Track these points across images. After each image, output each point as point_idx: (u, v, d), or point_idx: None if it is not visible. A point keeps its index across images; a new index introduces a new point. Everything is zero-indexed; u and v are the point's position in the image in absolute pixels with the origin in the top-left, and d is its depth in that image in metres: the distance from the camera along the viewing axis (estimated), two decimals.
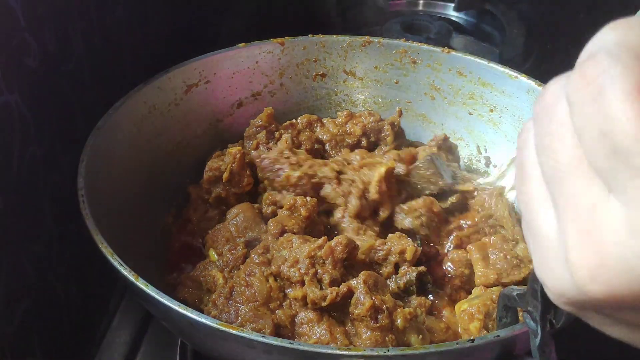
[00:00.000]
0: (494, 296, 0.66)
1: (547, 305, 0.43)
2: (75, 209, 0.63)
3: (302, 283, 0.64)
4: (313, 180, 0.77)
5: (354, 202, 0.75)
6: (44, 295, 0.70)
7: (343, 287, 0.62)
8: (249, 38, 0.92)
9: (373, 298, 0.61)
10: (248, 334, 0.50)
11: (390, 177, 0.77)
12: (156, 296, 0.54)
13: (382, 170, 0.76)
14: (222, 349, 0.56)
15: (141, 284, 0.55)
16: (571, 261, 0.25)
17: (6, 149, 0.61)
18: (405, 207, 0.77)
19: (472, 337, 0.50)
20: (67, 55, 0.72)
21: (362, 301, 0.61)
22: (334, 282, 0.63)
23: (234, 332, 0.50)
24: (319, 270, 0.64)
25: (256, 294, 0.64)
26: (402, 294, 0.69)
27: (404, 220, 0.76)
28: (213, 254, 0.72)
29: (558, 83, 0.27)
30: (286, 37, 0.92)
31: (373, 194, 0.75)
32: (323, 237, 0.66)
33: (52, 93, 0.69)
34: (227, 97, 0.91)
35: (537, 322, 0.44)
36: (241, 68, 0.90)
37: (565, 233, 0.26)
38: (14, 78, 0.61)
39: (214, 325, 0.51)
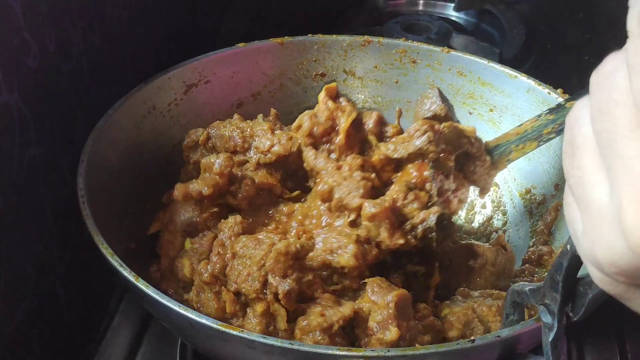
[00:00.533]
0: (475, 305, 0.64)
1: (567, 296, 0.44)
2: (75, 209, 0.63)
3: (259, 300, 0.59)
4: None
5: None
6: (44, 295, 0.69)
7: (357, 304, 0.57)
8: (249, 38, 0.92)
9: (402, 327, 0.56)
10: (248, 334, 0.50)
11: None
12: (156, 297, 0.54)
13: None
14: (223, 349, 0.56)
15: (141, 284, 0.55)
16: (625, 222, 0.26)
17: (6, 149, 0.61)
18: (404, 134, 0.67)
19: (472, 337, 0.50)
20: (67, 55, 0.71)
21: (389, 329, 0.56)
22: (292, 292, 0.58)
23: (234, 332, 0.50)
24: (272, 282, 0.58)
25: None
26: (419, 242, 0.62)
27: (411, 143, 0.65)
28: (187, 243, 0.69)
29: (617, 54, 0.28)
30: (286, 37, 0.92)
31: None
32: (269, 243, 0.60)
33: (52, 93, 0.69)
34: (226, 97, 0.91)
35: (554, 315, 0.45)
36: (241, 68, 0.90)
37: (620, 195, 0.26)
38: (14, 78, 0.61)
39: (215, 326, 0.51)
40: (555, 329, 0.45)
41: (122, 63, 0.86)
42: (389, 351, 0.49)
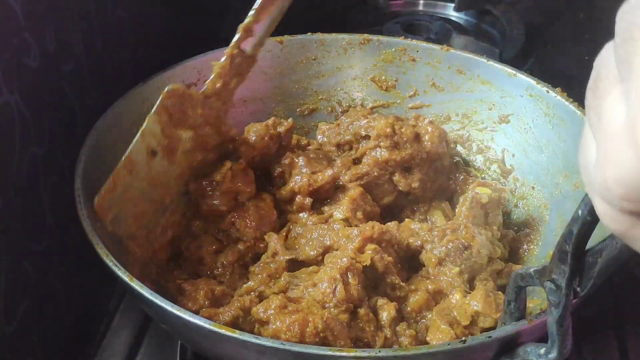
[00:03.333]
0: None
1: (575, 267, 0.43)
2: (75, 209, 0.63)
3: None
4: None
5: None
6: (44, 295, 0.70)
7: None
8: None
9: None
10: (240, 335, 0.50)
11: None
12: (151, 297, 0.54)
13: None
14: (218, 349, 0.56)
15: (136, 284, 0.55)
16: (637, 133, 0.26)
17: (6, 149, 0.61)
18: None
19: (463, 338, 0.50)
20: (67, 55, 0.72)
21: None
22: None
23: (227, 333, 0.50)
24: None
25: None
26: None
27: None
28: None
29: None
30: (285, 36, 0.92)
31: None
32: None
33: (52, 93, 0.69)
34: None
35: (562, 290, 0.44)
36: None
37: (635, 110, 0.26)
38: (14, 78, 0.61)
39: (207, 326, 0.51)
40: (562, 306, 0.45)
41: (122, 63, 0.87)
42: (379, 351, 0.49)
